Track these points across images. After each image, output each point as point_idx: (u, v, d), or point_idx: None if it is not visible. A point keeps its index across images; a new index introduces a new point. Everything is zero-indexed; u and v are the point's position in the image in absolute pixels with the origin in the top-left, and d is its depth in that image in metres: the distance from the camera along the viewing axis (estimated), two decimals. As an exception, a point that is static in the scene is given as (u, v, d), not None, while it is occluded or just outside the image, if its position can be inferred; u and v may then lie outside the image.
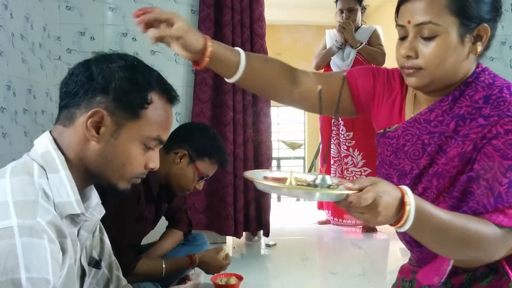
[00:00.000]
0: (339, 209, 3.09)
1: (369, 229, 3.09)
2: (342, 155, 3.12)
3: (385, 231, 3.10)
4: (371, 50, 3.05)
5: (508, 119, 0.95)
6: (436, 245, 0.95)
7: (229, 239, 2.85)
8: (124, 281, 1.18)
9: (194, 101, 2.66)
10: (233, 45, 2.61)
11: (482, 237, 0.92)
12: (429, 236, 0.92)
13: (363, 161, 3.04)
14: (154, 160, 0.95)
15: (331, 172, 3.14)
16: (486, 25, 0.99)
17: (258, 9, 2.66)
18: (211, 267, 1.84)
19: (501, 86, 1.01)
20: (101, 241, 1.12)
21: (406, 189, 0.87)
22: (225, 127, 2.64)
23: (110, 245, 1.15)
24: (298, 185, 0.86)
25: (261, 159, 2.74)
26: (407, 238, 1.15)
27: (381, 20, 4.75)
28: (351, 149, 3.07)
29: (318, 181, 0.86)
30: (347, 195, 0.81)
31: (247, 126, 2.70)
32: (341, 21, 3.06)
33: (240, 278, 2.07)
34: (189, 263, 1.77)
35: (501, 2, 1.03)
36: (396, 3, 1.07)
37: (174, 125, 2.66)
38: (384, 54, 3.08)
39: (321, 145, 3.31)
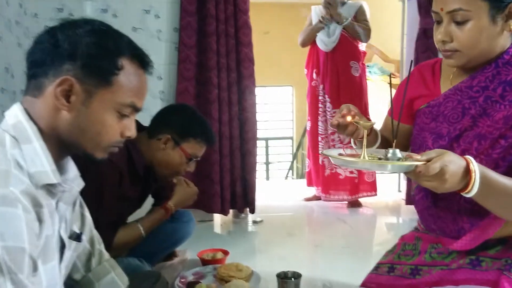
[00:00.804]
0: (328, 185, 3.12)
1: (354, 204, 3.13)
2: (329, 132, 3.13)
3: (370, 206, 3.14)
4: (357, 26, 3.03)
5: None
6: (501, 208, 1.03)
7: (216, 217, 2.86)
8: (106, 255, 1.18)
9: (178, 79, 2.63)
10: (217, 19, 2.58)
11: None
12: (494, 200, 1.01)
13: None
14: (130, 128, 0.94)
15: (319, 149, 3.15)
16: None
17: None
18: (188, 199, 1.82)
19: None
20: (82, 215, 1.11)
21: (471, 158, 0.96)
22: (211, 105, 2.62)
23: (91, 219, 1.15)
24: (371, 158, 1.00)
25: (247, 137, 2.73)
26: (420, 208, 1.25)
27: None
28: (337, 126, 3.07)
29: (389, 155, 1.00)
30: (416, 166, 0.92)
31: (232, 104, 2.68)
32: None
33: (226, 253, 2.09)
34: (164, 213, 1.74)
35: None
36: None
37: (159, 104, 2.69)
38: (369, 30, 3.07)
39: (308, 123, 3.30)
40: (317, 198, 3.29)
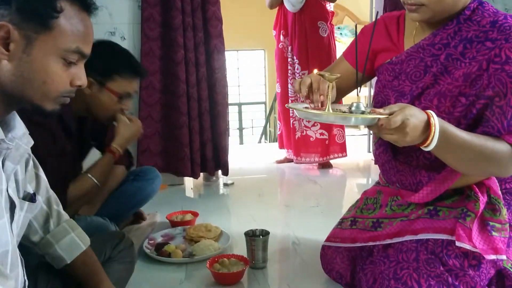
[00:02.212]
0: (299, 147, 3.13)
1: (324, 165, 3.15)
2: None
3: (341, 167, 3.18)
4: None
5: None
6: (459, 162, 1.05)
7: (187, 181, 2.84)
8: (65, 216, 1.15)
9: (142, 39, 2.53)
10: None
11: (499, 153, 1.02)
12: (452, 154, 1.02)
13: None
14: (80, 77, 0.89)
15: (290, 111, 3.13)
16: None
17: None
18: (132, 135, 1.68)
19: (505, 14, 1.09)
20: (36, 176, 1.07)
21: (432, 112, 0.97)
22: (177, 66, 2.55)
23: (46, 180, 1.10)
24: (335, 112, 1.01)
25: (217, 98, 2.68)
26: (381, 161, 1.27)
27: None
28: (307, 87, 3.04)
29: (353, 108, 1.00)
30: (379, 119, 0.92)
31: (199, 65, 2.61)
32: None
33: (195, 214, 2.08)
34: (111, 156, 1.61)
35: None
36: None
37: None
38: None
39: (277, 85, 3.26)
40: (288, 160, 3.30)
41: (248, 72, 7.59)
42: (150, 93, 2.59)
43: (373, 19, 3.17)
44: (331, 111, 1.02)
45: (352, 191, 2.83)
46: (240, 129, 7.30)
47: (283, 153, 3.35)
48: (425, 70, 1.13)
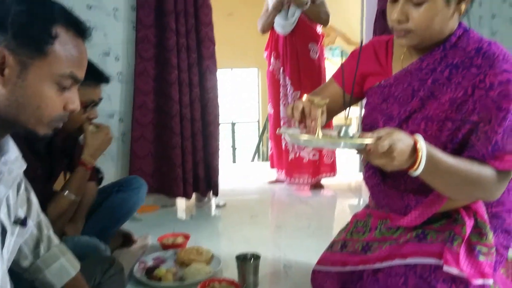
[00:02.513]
0: (292, 169, 3.14)
1: (316, 186, 3.17)
2: (292, 115, 3.13)
3: (332, 187, 3.19)
4: (317, 11, 3.02)
5: (499, 70, 1.05)
6: (445, 187, 1.06)
7: (179, 202, 2.83)
8: (56, 240, 1.15)
9: (137, 59, 2.56)
10: (175, 4, 2.50)
11: (484, 178, 1.04)
12: (439, 178, 1.04)
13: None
14: (73, 101, 0.90)
15: (281, 134, 3.15)
16: None
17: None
18: (102, 143, 1.61)
19: (489, 41, 1.12)
20: (28, 199, 1.07)
21: (418, 137, 0.98)
22: (170, 87, 2.57)
23: (38, 204, 1.10)
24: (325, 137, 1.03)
25: (209, 119, 2.70)
26: (370, 185, 1.29)
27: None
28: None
29: (342, 133, 1.02)
30: (367, 144, 0.94)
31: (193, 85, 2.64)
32: None
33: (187, 237, 2.07)
34: (83, 169, 1.56)
35: None
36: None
37: (117, 86, 2.60)
38: (328, 15, 3.05)
39: (269, 106, 3.29)
40: (280, 181, 3.31)
41: (241, 91, 7.64)
42: (143, 113, 2.60)
43: (364, 40, 3.25)
44: (321, 136, 1.04)
45: (344, 212, 2.83)
46: (233, 147, 7.30)
47: (275, 173, 3.36)
48: (412, 94, 1.16)
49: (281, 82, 3.14)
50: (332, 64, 5.27)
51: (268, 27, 3.12)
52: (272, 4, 3.05)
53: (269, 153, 3.49)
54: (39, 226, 1.10)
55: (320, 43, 3.09)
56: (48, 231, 1.13)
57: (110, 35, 2.56)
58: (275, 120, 3.22)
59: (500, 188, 1.09)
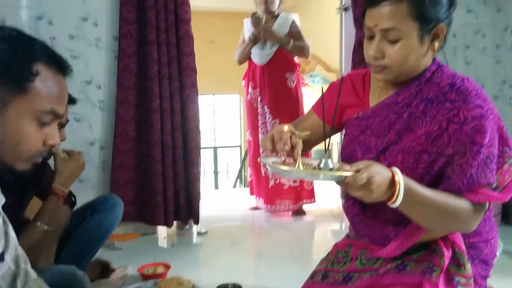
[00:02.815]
0: (271, 194, 3.15)
1: (298, 212, 3.18)
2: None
3: (314, 213, 3.20)
4: (300, 46, 3.08)
5: (472, 106, 1.08)
6: (423, 219, 1.08)
7: (160, 230, 2.80)
8: (33, 274, 1.11)
9: (118, 88, 2.57)
10: (157, 28, 2.54)
11: (460, 210, 1.07)
12: (416, 211, 1.06)
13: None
14: (53, 136, 0.90)
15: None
16: (442, 24, 1.11)
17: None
18: (74, 170, 1.55)
19: (462, 77, 1.16)
20: (6, 234, 1.04)
21: (396, 169, 1.00)
22: (152, 115, 2.58)
23: (16, 238, 1.08)
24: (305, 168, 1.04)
25: (190, 146, 2.71)
26: (350, 215, 1.30)
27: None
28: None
29: (321, 165, 1.03)
30: (346, 176, 0.95)
31: (174, 113, 2.65)
32: (262, 7, 3.06)
33: (167, 266, 2.05)
34: (55, 198, 1.50)
35: None
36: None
37: (98, 114, 2.60)
38: (308, 49, 3.13)
39: (248, 133, 3.32)
40: (259, 208, 3.30)
41: (223, 116, 7.68)
42: (124, 141, 2.59)
43: (342, 68, 3.34)
44: (301, 167, 1.05)
45: (325, 237, 2.84)
46: (216, 172, 7.28)
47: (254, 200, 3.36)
48: (389, 127, 1.19)
49: (259, 110, 3.18)
50: (313, 90, 5.36)
51: (245, 58, 3.18)
52: (248, 36, 3.11)
53: (248, 180, 3.50)
54: (16, 261, 1.07)
55: (297, 72, 3.16)
56: (26, 265, 1.10)
57: (92, 64, 2.57)
58: (255, 147, 3.24)
59: (476, 219, 1.11)
